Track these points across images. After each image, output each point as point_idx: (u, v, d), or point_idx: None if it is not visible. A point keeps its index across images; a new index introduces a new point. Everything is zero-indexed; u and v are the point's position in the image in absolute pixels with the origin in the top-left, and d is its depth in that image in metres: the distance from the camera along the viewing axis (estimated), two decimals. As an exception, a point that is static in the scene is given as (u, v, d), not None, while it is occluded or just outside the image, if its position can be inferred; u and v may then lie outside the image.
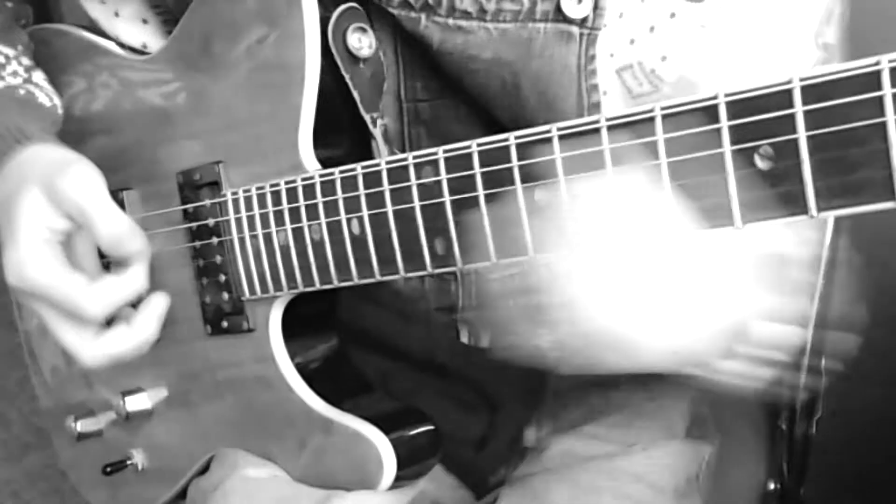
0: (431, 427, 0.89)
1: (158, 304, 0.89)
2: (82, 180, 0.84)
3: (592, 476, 1.04)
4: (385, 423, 0.85)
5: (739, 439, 1.23)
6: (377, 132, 0.85)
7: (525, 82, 0.80)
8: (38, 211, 0.83)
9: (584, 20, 0.77)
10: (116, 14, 0.95)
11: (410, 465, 0.86)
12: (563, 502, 1.02)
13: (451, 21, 0.78)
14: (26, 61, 1.00)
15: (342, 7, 0.80)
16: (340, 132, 0.84)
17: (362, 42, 0.81)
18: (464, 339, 1.03)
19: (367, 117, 0.84)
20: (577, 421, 1.08)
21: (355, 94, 0.82)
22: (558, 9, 0.76)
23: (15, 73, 0.98)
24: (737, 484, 1.20)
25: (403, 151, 0.87)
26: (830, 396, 1.22)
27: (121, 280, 0.85)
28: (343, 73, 0.81)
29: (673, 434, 1.09)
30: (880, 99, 0.48)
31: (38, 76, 1.00)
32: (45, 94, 0.99)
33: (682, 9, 0.78)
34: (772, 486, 1.22)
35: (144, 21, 0.94)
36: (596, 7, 0.77)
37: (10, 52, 1.00)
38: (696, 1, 0.78)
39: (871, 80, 0.49)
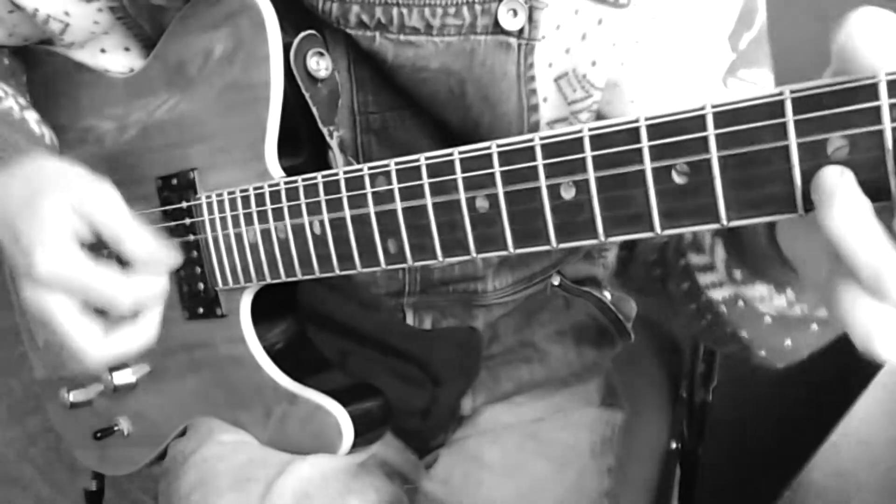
0: (383, 400, 0.89)
1: (159, 311, 0.84)
2: (109, 199, 0.80)
3: (519, 438, 1.05)
4: (343, 397, 0.85)
5: (646, 406, 1.25)
6: (333, 143, 0.84)
7: (470, 88, 0.79)
8: (66, 216, 0.78)
9: (521, 32, 0.76)
10: (102, 51, 0.91)
11: (365, 434, 0.85)
12: (493, 460, 1.03)
13: (401, 37, 0.76)
14: (22, 101, 0.97)
15: (302, 34, 0.79)
16: (301, 143, 0.83)
17: (320, 65, 0.80)
18: (409, 321, 1.02)
19: (324, 130, 0.83)
20: (508, 392, 1.08)
21: (314, 110, 0.81)
22: (496, 23, 0.75)
23: (10, 108, 0.94)
24: (644, 444, 1.20)
25: (357, 157, 0.87)
26: (725, 367, 1.23)
27: (149, 281, 0.81)
28: (303, 92, 0.80)
29: (589, 402, 1.11)
30: (784, 124, 0.47)
31: (32, 115, 0.97)
32: (36, 126, 0.96)
33: (609, 15, 0.77)
34: (673, 445, 1.22)
35: (127, 49, 0.91)
36: (531, 20, 0.75)
37: (8, 89, 0.96)
38: (621, 7, 0.76)
39: (776, 108, 0.48)
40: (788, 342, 0.66)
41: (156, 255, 0.80)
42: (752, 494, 0.96)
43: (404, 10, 0.75)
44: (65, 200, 0.78)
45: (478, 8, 0.75)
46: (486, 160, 0.60)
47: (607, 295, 1.14)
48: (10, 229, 0.79)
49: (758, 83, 0.84)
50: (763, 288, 0.65)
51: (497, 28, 0.76)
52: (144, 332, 0.83)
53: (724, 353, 0.76)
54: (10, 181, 0.82)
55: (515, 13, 0.75)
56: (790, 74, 0.78)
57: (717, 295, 0.73)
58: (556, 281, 1.09)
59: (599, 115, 0.86)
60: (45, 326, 0.81)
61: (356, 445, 0.84)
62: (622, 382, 1.18)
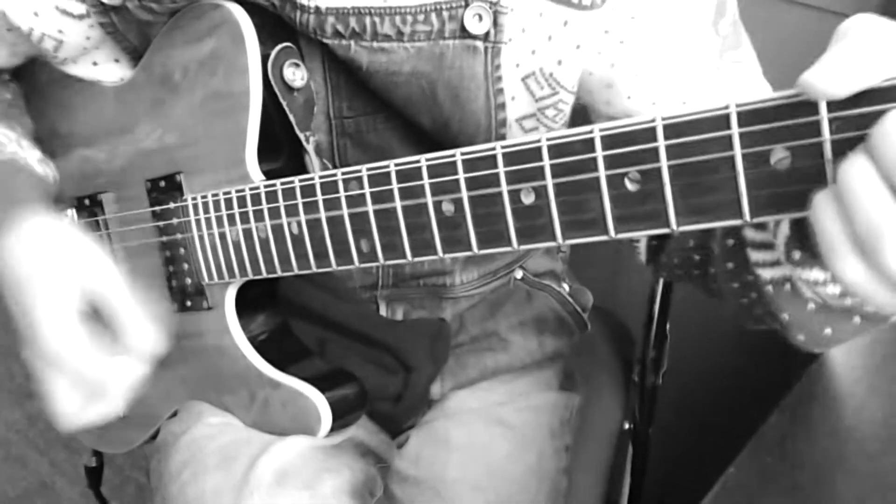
0: (358, 386, 0.88)
1: (137, 376, 0.81)
2: (115, 283, 0.78)
3: (484, 421, 1.05)
4: (321, 384, 0.84)
5: (601, 390, 1.25)
6: (310, 148, 0.83)
7: (440, 89, 0.77)
8: (74, 296, 0.76)
9: (487, 35, 0.75)
10: (94, 63, 0.89)
11: (342, 418, 0.85)
12: (459, 441, 1.03)
13: (375, 44, 0.75)
14: (24, 143, 0.94)
15: (279, 46, 0.78)
16: (280, 148, 0.82)
17: (296, 75, 0.79)
18: (383, 312, 1.02)
19: (301, 136, 0.82)
20: (473, 378, 1.07)
21: (291, 118, 0.80)
22: (463, 27, 0.74)
23: (14, 153, 0.91)
24: (599, 425, 1.21)
25: (333, 160, 0.86)
26: (674, 353, 1.23)
27: (135, 365, 0.79)
28: (280, 100, 0.79)
29: (549, 387, 1.11)
30: (729, 136, 0.46)
31: (34, 155, 0.94)
32: (39, 167, 0.93)
33: (574, 17, 0.75)
34: (626, 426, 1.22)
35: (117, 60, 0.89)
36: (496, 24, 0.74)
37: (11, 134, 0.93)
38: (585, 9, 0.75)
39: (721, 121, 0.47)
40: (828, 331, 0.63)
41: (148, 346, 0.78)
42: (697, 471, 0.95)
43: (377, 19, 0.74)
44: (74, 280, 0.77)
45: (445, 14, 0.74)
46: (451, 167, 0.59)
47: (566, 287, 1.14)
48: (17, 295, 0.78)
49: (743, 61, 0.82)
50: (820, 273, 0.61)
51: (464, 32, 0.74)
52: (114, 409, 0.81)
53: (761, 329, 0.73)
54: (20, 244, 0.80)
55: (481, 18, 0.74)
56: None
57: (768, 274, 0.67)
58: (518, 275, 1.09)
59: (593, 115, 0.85)
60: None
61: (334, 428, 0.84)
62: (579, 368, 1.18)
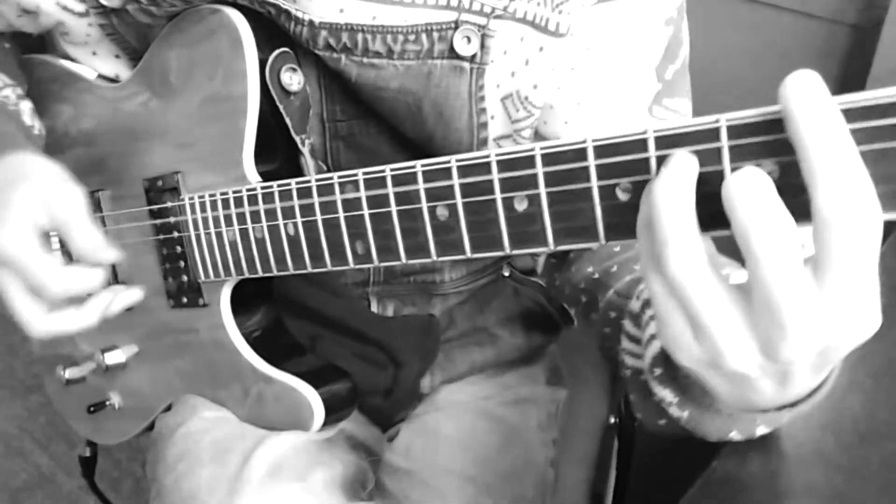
0: (350, 382, 0.88)
1: (105, 299, 0.85)
2: (72, 198, 0.80)
3: (472, 414, 1.06)
4: (314, 379, 0.84)
5: (587, 384, 1.25)
6: (305, 150, 0.83)
7: (426, 106, 0.78)
8: (32, 206, 0.79)
9: (473, 57, 0.75)
10: (94, 53, 0.90)
11: (334, 413, 0.85)
12: (449, 434, 1.03)
13: (365, 59, 0.76)
14: (19, 91, 0.96)
15: (276, 52, 0.78)
16: (276, 150, 0.82)
17: (292, 79, 0.79)
18: (374, 309, 1.02)
19: (297, 138, 0.82)
20: (462, 373, 1.08)
21: (287, 121, 0.80)
22: (451, 49, 0.75)
23: (7, 97, 0.93)
24: (585, 419, 1.21)
25: (326, 161, 0.86)
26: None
27: (84, 273, 0.81)
28: (277, 104, 0.79)
29: (536, 382, 1.12)
30: (719, 149, 0.47)
31: (26, 105, 0.96)
32: (28, 118, 0.95)
33: (549, 43, 0.77)
34: (612, 420, 1.23)
35: (117, 56, 0.90)
36: (482, 46, 0.75)
37: (7, 79, 0.95)
38: (559, 36, 0.76)
39: (712, 134, 0.47)
40: (685, 414, 0.66)
41: (95, 248, 0.81)
42: (682, 463, 0.96)
43: (368, 36, 0.74)
44: (35, 192, 0.80)
45: (435, 35, 0.74)
46: (446, 173, 0.59)
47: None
48: None
49: (679, 111, 0.84)
50: (669, 395, 0.64)
51: (452, 53, 0.75)
52: (86, 316, 0.84)
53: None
54: None
55: (469, 40, 0.75)
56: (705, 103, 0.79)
57: (629, 361, 0.72)
58: (506, 272, 1.09)
59: (537, 134, 0.86)
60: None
61: (326, 423, 0.84)
62: (566, 363, 1.18)
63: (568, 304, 0.92)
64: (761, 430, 0.63)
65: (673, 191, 0.46)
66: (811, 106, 0.41)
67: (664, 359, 0.63)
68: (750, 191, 0.43)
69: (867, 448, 0.88)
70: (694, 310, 0.47)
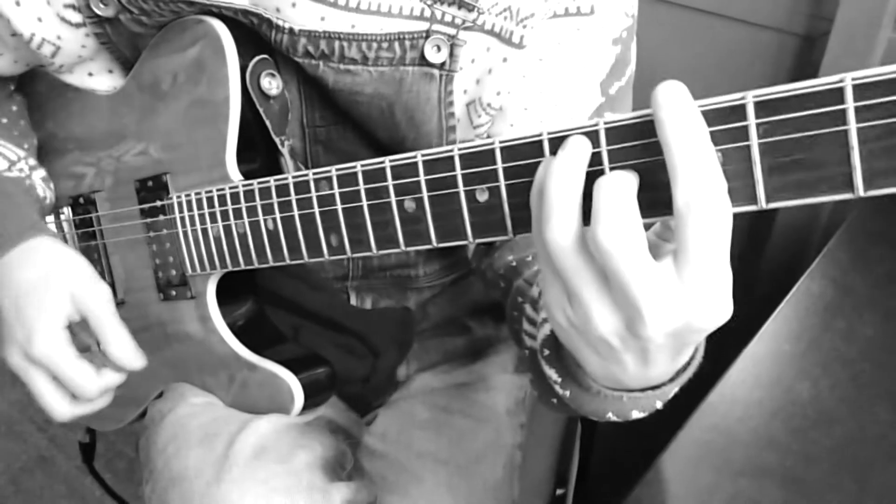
0: (329, 369, 0.88)
1: (114, 382, 0.86)
2: (102, 300, 0.84)
3: (446, 400, 1.06)
4: (295, 366, 0.85)
5: None
6: (285, 151, 0.83)
7: (398, 110, 0.78)
8: (63, 305, 0.82)
9: (443, 65, 0.76)
10: (90, 74, 0.90)
11: (313, 398, 0.85)
12: (423, 418, 1.04)
13: (341, 66, 0.76)
14: (31, 161, 0.96)
15: (256, 58, 0.79)
16: (257, 151, 0.82)
17: (272, 84, 0.80)
18: (353, 301, 1.02)
19: (277, 140, 0.82)
20: (436, 361, 1.09)
21: (267, 123, 0.81)
22: (423, 56, 0.75)
23: (21, 170, 0.94)
24: (551, 404, 1.20)
25: (306, 164, 0.87)
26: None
27: (114, 377, 0.84)
28: (258, 107, 0.79)
29: (505, 370, 1.12)
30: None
31: (38, 174, 0.96)
32: (42, 189, 0.96)
33: (511, 54, 0.77)
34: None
35: (110, 71, 0.90)
36: (452, 55, 0.75)
37: (21, 153, 0.95)
38: (520, 48, 0.77)
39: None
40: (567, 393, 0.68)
41: (127, 357, 0.83)
42: (642, 446, 0.96)
43: (345, 44, 0.74)
44: (65, 289, 0.82)
45: (407, 43, 0.75)
46: (412, 168, 0.60)
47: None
48: (14, 306, 0.82)
49: None
50: (554, 374, 0.67)
51: (423, 61, 0.76)
52: (98, 404, 0.87)
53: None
54: (22, 264, 0.84)
55: (439, 49, 0.75)
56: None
57: (528, 342, 0.76)
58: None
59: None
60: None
61: (306, 407, 0.84)
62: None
63: (488, 288, 0.93)
64: (636, 414, 0.65)
65: (564, 165, 0.49)
66: (676, 112, 0.44)
67: (553, 340, 0.66)
68: (609, 191, 0.47)
69: (816, 432, 0.89)
70: (567, 274, 0.50)
